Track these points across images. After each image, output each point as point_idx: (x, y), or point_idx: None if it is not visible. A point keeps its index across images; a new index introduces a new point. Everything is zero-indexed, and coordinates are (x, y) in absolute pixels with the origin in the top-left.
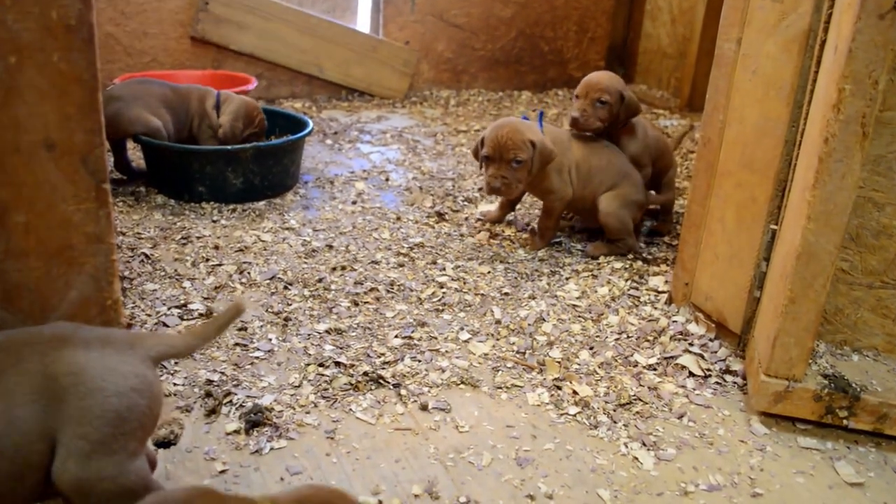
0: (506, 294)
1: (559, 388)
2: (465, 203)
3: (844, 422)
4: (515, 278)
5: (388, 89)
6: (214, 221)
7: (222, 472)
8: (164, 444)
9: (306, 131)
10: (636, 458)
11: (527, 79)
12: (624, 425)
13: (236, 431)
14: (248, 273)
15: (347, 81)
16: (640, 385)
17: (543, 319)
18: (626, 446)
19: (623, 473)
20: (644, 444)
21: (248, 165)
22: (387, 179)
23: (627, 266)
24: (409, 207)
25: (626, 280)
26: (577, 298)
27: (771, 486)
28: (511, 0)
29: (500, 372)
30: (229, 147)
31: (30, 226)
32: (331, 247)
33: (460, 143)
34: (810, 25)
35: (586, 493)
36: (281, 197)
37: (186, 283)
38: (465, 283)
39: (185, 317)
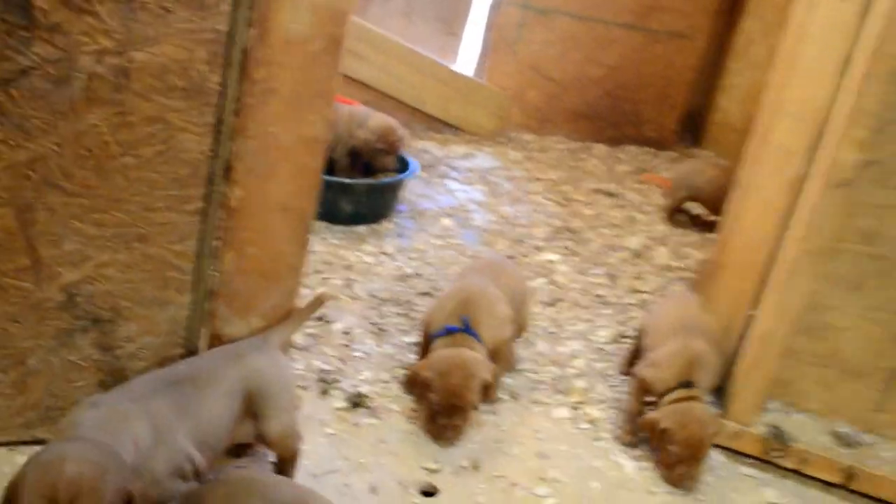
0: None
1: (577, 409)
2: (532, 249)
3: (777, 460)
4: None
5: (479, 127)
6: (323, 239)
7: (331, 434)
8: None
9: (412, 173)
10: (621, 464)
11: (604, 133)
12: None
13: (342, 408)
14: (352, 287)
15: (444, 116)
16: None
17: (576, 356)
18: (617, 455)
19: (611, 473)
20: (630, 457)
21: (360, 196)
22: (469, 219)
23: None
24: (484, 247)
25: None
26: (609, 342)
27: (711, 496)
28: (604, 63)
29: (536, 391)
30: (347, 181)
31: (257, 256)
32: (419, 274)
33: (536, 190)
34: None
35: (582, 482)
36: (380, 224)
37: (305, 291)
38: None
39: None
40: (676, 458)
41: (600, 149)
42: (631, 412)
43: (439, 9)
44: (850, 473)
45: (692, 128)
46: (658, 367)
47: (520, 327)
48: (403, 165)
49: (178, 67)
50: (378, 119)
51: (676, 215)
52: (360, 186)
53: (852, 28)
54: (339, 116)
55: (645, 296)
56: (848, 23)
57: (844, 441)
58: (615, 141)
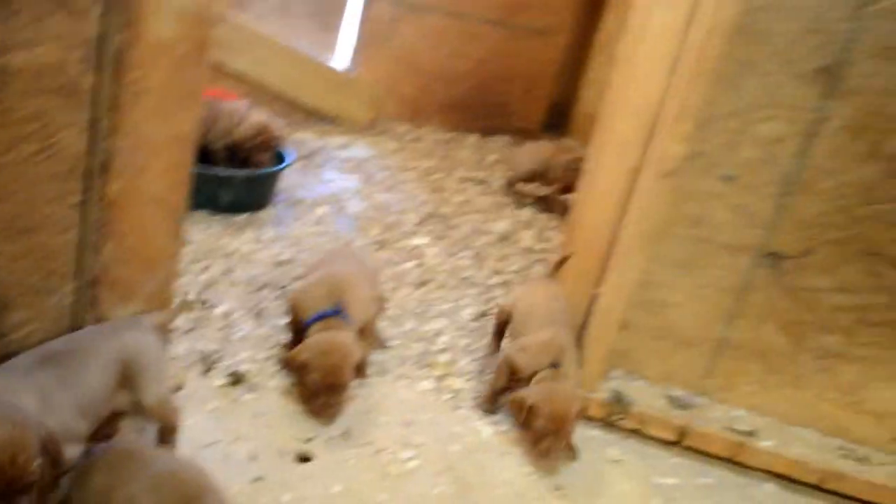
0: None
1: (440, 381)
2: (404, 234)
3: (619, 422)
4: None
5: (355, 118)
6: (205, 228)
7: (213, 410)
8: (176, 389)
9: (289, 163)
10: (479, 429)
11: (475, 124)
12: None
13: (223, 385)
14: (233, 273)
15: (322, 108)
16: None
17: (441, 333)
18: (475, 421)
19: (470, 437)
20: (487, 422)
21: (239, 186)
22: (344, 207)
23: None
24: (358, 233)
25: None
26: (473, 320)
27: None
28: (472, 57)
29: (403, 366)
30: (223, 173)
31: (134, 246)
32: (295, 260)
33: (409, 178)
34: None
35: (443, 446)
36: (259, 213)
37: (186, 277)
38: (390, 300)
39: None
40: (542, 433)
41: (471, 139)
42: (495, 388)
43: (315, 5)
44: (682, 432)
45: (558, 118)
46: (528, 352)
47: (379, 307)
48: (280, 157)
49: (54, 69)
50: (257, 116)
51: (518, 191)
52: (238, 177)
53: (680, 33)
54: (220, 112)
55: (508, 276)
56: (676, 28)
57: (678, 404)
58: (486, 131)
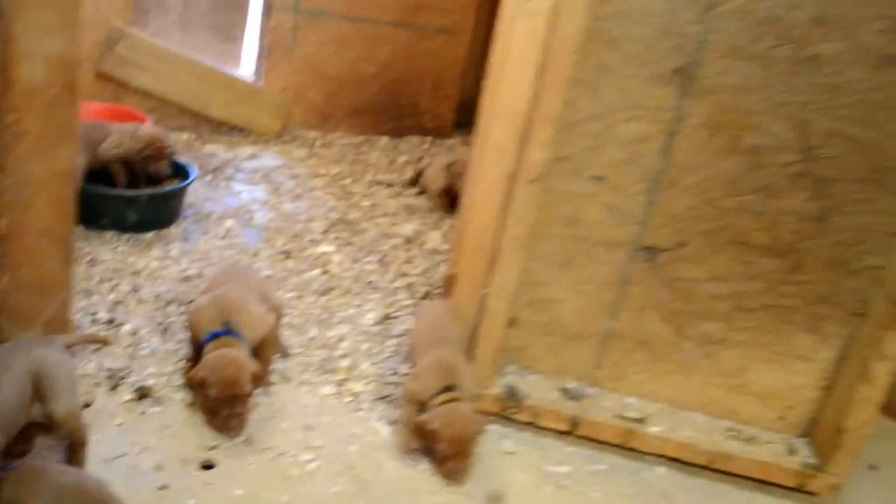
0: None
1: (341, 385)
2: (310, 243)
3: (513, 416)
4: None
5: (263, 128)
6: (113, 248)
7: (120, 424)
8: (85, 406)
9: (190, 181)
10: (378, 430)
11: (385, 126)
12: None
13: (130, 400)
14: (140, 291)
15: (229, 119)
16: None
17: (344, 339)
18: (374, 423)
19: (368, 437)
20: (386, 422)
21: (143, 205)
22: (251, 218)
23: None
24: (265, 244)
25: None
26: (375, 324)
27: None
28: (376, 60)
29: (306, 372)
30: (129, 193)
31: (29, 275)
32: (202, 275)
33: (318, 185)
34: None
35: (342, 447)
36: (166, 229)
37: (95, 297)
38: (294, 309)
39: (94, 322)
40: (445, 455)
41: (382, 141)
42: (407, 421)
43: (216, 17)
44: (574, 422)
45: (469, 116)
46: (420, 378)
47: (275, 318)
48: (185, 173)
49: None
50: (144, 129)
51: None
52: (143, 196)
53: (541, 40)
54: (110, 131)
55: (412, 279)
56: (538, 35)
57: (570, 395)
58: (396, 133)
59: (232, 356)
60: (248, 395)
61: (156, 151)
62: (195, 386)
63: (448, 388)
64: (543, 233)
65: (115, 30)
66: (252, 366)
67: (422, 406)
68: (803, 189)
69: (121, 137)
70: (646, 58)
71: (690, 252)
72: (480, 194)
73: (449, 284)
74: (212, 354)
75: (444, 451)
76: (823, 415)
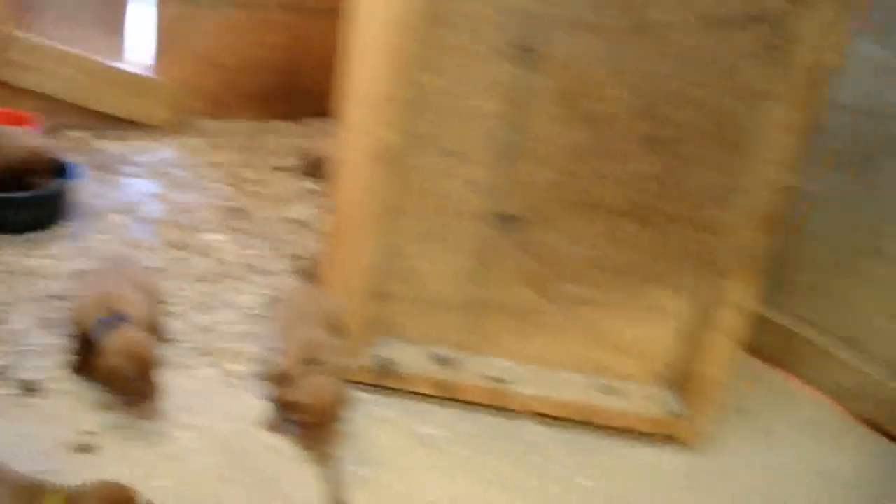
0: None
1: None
2: (201, 232)
3: (386, 384)
4: None
5: (158, 120)
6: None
7: (4, 417)
8: None
9: (74, 180)
10: (252, 404)
11: (283, 110)
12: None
13: (15, 394)
14: (29, 289)
15: (121, 113)
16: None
17: (226, 322)
18: (250, 398)
19: (242, 411)
20: (260, 397)
21: (29, 207)
22: (142, 212)
23: None
24: (155, 237)
25: None
26: (258, 307)
27: None
28: (270, 45)
29: (186, 357)
30: (10, 195)
31: None
32: (89, 271)
33: (212, 175)
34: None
35: (216, 422)
36: (56, 228)
37: None
38: (179, 297)
39: None
40: (308, 426)
41: (280, 126)
42: (274, 396)
43: (102, 11)
44: (446, 386)
45: None
46: (286, 356)
47: (157, 308)
48: (70, 171)
49: None
50: (26, 141)
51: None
52: (27, 198)
53: (383, 21)
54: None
55: (302, 261)
56: (380, 17)
57: (442, 361)
58: (295, 117)
59: (130, 333)
60: (154, 361)
61: (36, 165)
62: (105, 375)
63: (312, 364)
64: (406, 208)
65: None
66: (149, 340)
67: (288, 381)
68: (648, 151)
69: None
70: (488, 34)
71: (546, 218)
72: (344, 175)
73: (318, 265)
74: (109, 339)
75: (306, 421)
76: (684, 365)
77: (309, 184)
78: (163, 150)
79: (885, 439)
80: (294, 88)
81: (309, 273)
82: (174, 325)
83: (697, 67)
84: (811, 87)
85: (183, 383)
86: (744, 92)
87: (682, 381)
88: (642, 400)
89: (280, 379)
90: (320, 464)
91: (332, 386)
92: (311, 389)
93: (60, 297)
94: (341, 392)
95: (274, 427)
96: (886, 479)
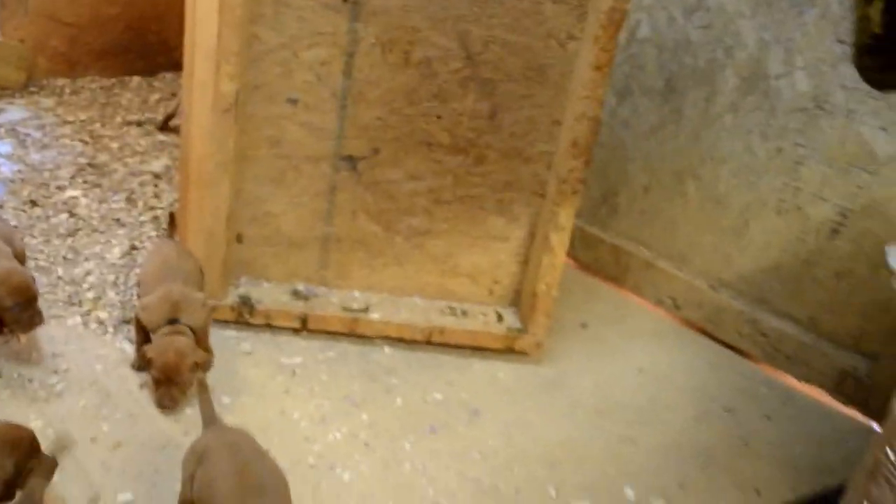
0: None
1: (87, 315)
2: (56, 190)
3: (249, 320)
4: None
5: (6, 81)
6: None
7: None
8: None
9: None
10: (124, 349)
11: (136, 66)
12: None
13: None
14: None
15: None
16: None
17: (90, 273)
18: (121, 343)
19: (113, 356)
20: (131, 342)
21: None
22: None
23: None
24: (11, 196)
25: None
26: (121, 258)
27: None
28: (118, 1)
29: (54, 308)
30: None
31: None
32: None
33: (66, 133)
34: None
35: (88, 367)
36: None
37: None
38: (41, 253)
39: None
40: (158, 382)
41: (134, 81)
42: (137, 343)
43: None
44: (304, 318)
45: None
46: (148, 310)
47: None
48: None
49: None
50: None
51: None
52: None
53: None
54: None
55: (159, 212)
56: None
57: (300, 295)
58: (149, 71)
59: (10, 265)
60: (36, 297)
61: None
62: None
63: (172, 321)
64: (253, 155)
65: None
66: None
67: (149, 334)
68: (473, 92)
69: None
70: None
71: (385, 157)
72: (192, 127)
73: (176, 216)
74: None
75: (156, 378)
76: (522, 285)
77: (162, 137)
78: (13, 112)
79: (709, 340)
80: (145, 43)
81: (168, 223)
82: (41, 279)
83: (509, 13)
84: (611, 29)
85: (52, 332)
86: (554, 35)
87: (520, 299)
88: (485, 319)
89: (143, 331)
90: (172, 410)
91: (185, 348)
92: (162, 348)
93: None
94: (192, 356)
95: (140, 368)
96: (702, 368)
